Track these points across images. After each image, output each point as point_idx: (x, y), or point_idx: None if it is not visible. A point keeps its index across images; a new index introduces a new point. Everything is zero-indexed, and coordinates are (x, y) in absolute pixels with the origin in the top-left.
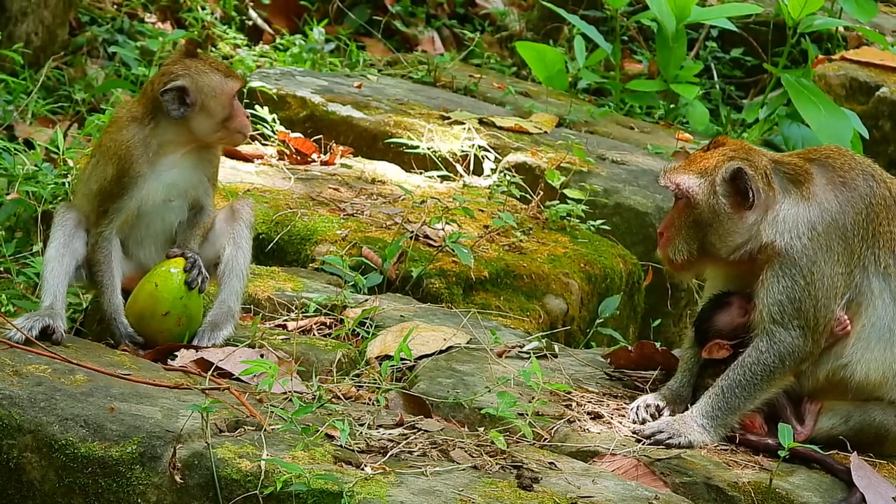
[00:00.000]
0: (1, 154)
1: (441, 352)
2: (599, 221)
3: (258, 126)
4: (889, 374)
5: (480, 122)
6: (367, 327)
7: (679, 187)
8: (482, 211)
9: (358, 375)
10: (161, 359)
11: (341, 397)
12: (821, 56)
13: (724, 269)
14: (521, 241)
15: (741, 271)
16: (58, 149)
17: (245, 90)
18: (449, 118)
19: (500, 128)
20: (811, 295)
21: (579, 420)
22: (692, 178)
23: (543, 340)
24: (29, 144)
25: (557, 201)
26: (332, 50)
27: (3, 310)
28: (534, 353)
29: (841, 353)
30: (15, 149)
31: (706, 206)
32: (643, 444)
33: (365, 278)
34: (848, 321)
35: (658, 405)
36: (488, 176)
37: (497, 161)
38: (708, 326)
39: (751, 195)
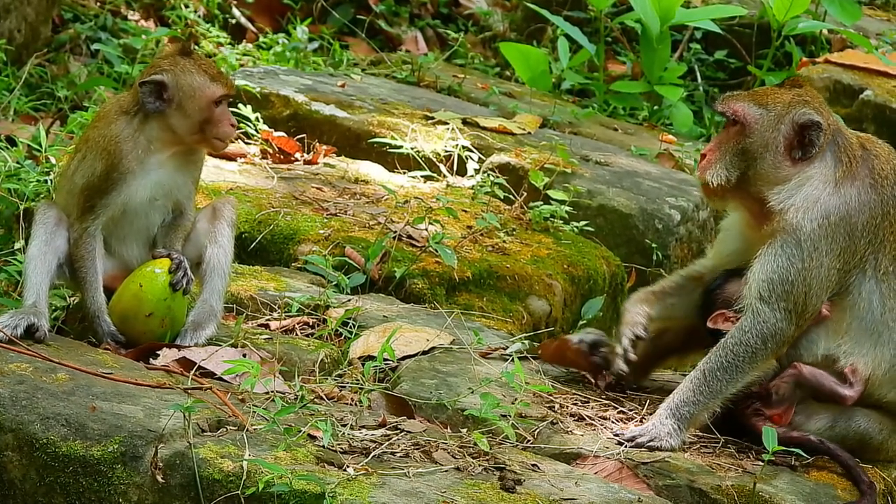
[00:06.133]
0: None
1: (424, 352)
2: (583, 223)
3: (241, 125)
4: (878, 371)
5: (464, 122)
6: (350, 327)
7: (737, 112)
8: (465, 211)
9: (341, 376)
10: (143, 358)
11: (324, 398)
12: (805, 59)
13: (742, 221)
14: (504, 241)
15: (756, 236)
16: (40, 146)
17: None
18: (432, 118)
19: (484, 128)
20: (805, 281)
21: (562, 422)
22: (754, 107)
23: (526, 342)
24: (11, 141)
25: (541, 202)
26: (316, 49)
27: None
28: (516, 355)
29: (829, 348)
30: None
31: (760, 137)
32: (625, 447)
33: (348, 278)
34: (826, 309)
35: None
36: (472, 176)
37: (481, 161)
38: (716, 296)
39: (812, 152)
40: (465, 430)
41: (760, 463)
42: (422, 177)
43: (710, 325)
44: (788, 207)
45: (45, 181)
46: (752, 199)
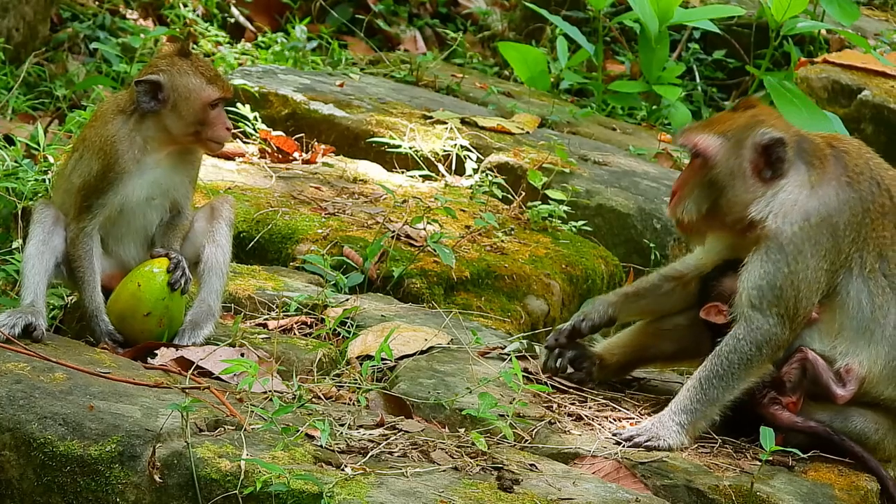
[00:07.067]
0: None
1: (422, 352)
2: (581, 222)
3: (240, 124)
4: (875, 369)
5: (462, 121)
6: (348, 327)
7: (697, 146)
8: (464, 211)
9: (339, 375)
10: (141, 357)
11: (322, 397)
12: (803, 59)
13: (727, 239)
14: (502, 241)
15: (741, 243)
16: (38, 145)
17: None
18: (431, 118)
19: (483, 128)
20: (793, 284)
21: (560, 422)
22: (713, 138)
23: (524, 341)
24: (9, 140)
25: (539, 202)
26: (315, 48)
27: None
28: (514, 354)
29: (824, 350)
30: None
31: (725, 166)
32: (622, 447)
33: (346, 278)
34: (815, 312)
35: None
36: (470, 176)
37: (479, 161)
38: (712, 287)
39: (783, 167)
40: (462, 430)
41: (758, 463)
42: (420, 176)
43: (702, 315)
44: (767, 215)
45: (43, 180)
46: (729, 230)
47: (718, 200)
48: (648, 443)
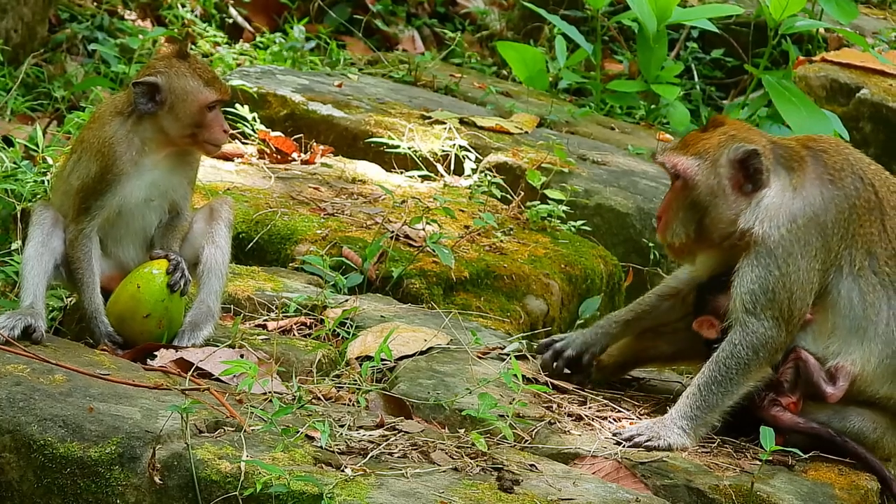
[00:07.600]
0: None
1: (422, 352)
2: (580, 222)
3: (238, 125)
4: (868, 367)
5: (461, 121)
6: (348, 328)
7: (676, 167)
8: (463, 211)
9: (338, 376)
10: (140, 359)
11: (321, 398)
12: (801, 57)
13: (718, 256)
14: (501, 241)
15: (733, 256)
16: (37, 146)
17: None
18: (429, 118)
19: (481, 128)
20: (785, 287)
21: (560, 422)
22: (690, 159)
23: (524, 341)
24: (8, 142)
25: (538, 202)
26: (313, 49)
27: None
28: (514, 354)
29: (818, 350)
30: None
31: (705, 186)
32: (622, 447)
33: (345, 278)
34: (809, 312)
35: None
36: (469, 176)
37: (478, 161)
38: (708, 301)
39: (763, 178)
40: (462, 431)
41: (758, 462)
42: (419, 176)
43: (694, 327)
44: (754, 222)
45: (42, 182)
46: (719, 248)
47: (703, 220)
48: (649, 442)
